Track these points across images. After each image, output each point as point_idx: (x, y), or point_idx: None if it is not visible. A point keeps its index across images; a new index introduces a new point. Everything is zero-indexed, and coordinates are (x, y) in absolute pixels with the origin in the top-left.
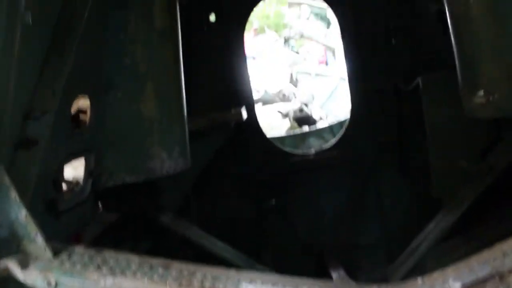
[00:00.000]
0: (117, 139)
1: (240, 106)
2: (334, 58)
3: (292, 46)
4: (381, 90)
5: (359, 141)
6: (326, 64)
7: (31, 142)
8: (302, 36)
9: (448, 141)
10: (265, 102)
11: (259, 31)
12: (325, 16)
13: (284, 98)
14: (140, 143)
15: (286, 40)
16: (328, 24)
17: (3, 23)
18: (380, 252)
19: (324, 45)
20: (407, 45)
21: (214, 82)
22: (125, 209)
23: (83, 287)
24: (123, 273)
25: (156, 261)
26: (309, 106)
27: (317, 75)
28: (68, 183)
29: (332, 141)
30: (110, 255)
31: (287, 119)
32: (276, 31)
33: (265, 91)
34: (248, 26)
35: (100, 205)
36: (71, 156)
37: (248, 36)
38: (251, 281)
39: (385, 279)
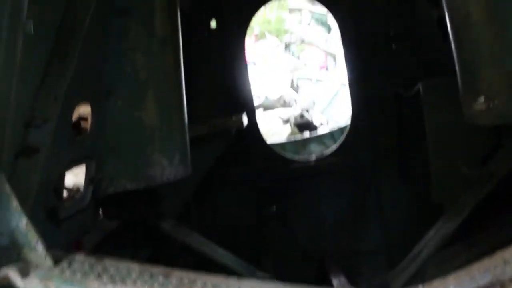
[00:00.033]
0: (117, 146)
1: (241, 112)
2: (335, 63)
3: (293, 52)
4: (381, 96)
5: (360, 147)
6: (327, 69)
7: (32, 150)
8: (303, 41)
9: (448, 147)
10: (266, 107)
11: (260, 36)
12: (326, 22)
13: (285, 104)
14: (140, 150)
15: (287, 46)
16: (329, 29)
17: (4, 33)
18: (381, 258)
19: (325, 50)
20: (408, 51)
21: (215, 88)
22: (126, 216)
23: None
24: (123, 281)
25: (156, 270)
26: (310, 112)
27: (317, 80)
28: (69, 190)
29: (333, 147)
30: (111, 263)
31: (288, 125)
32: (277, 36)
33: (266, 97)
34: (249, 32)
35: (100, 212)
36: (72, 164)
37: (249, 41)
38: None
39: (386, 286)
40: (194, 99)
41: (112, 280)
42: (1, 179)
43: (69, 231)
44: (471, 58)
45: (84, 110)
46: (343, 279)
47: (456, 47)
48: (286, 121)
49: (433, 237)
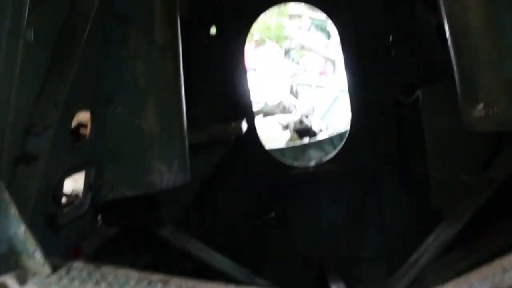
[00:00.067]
0: (117, 153)
1: (240, 119)
2: (335, 69)
3: (293, 58)
4: (381, 102)
5: (359, 153)
6: (327, 75)
7: (31, 157)
8: (302, 47)
9: (448, 153)
10: (265, 113)
11: (260, 42)
12: (326, 28)
13: (285, 110)
14: (140, 157)
15: (287, 52)
16: (329, 35)
17: (5, 40)
18: (380, 264)
19: (324, 56)
20: (407, 57)
21: (215, 94)
22: (125, 222)
23: None
24: None
25: (155, 277)
26: (309, 117)
27: (317, 86)
28: (68, 196)
29: (332, 153)
30: (109, 271)
31: (287, 131)
32: (277, 42)
33: (266, 103)
34: (249, 38)
35: (99, 219)
36: (71, 170)
37: (249, 47)
38: None
39: None
40: (194, 105)
41: (111, 287)
42: (0, 187)
43: (68, 237)
44: (469, 65)
45: (83, 116)
46: (342, 285)
47: (455, 54)
48: (286, 127)
49: (432, 243)
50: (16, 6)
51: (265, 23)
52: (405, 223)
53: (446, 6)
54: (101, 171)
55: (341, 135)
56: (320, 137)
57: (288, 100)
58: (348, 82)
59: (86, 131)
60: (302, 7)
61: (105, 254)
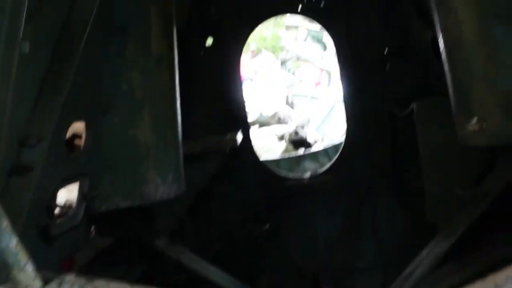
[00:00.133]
0: (112, 163)
1: (236, 130)
2: (330, 81)
3: (289, 68)
4: (376, 114)
5: (354, 165)
6: (322, 86)
7: (25, 168)
8: (298, 58)
9: (442, 167)
10: (261, 124)
11: (256, 52)
12: (322, 39)
13: (280, 121)
14: (135, 168)
15: (283, 62)
16: (325, 47)
17: (0, 52)
18: (375, 276)
19: (320, 68)
20: (402, 71)
21: (210, 105)
22: (119, 233)
23: None
24: None
25: None
26: (305, 128)
27: (313, 97)
28: (62, 207)
29: (327, 165)
30: (101, 284)
31: (282, 142)
32: (273, 53)
33: (261, 113)
34: (245, 48)
35: (93, 229)
36: (65, 181)
37: (246, 57)
38: None
39: None
40: (189, 116)
41: None
42: None
43: (61, 248)
44: (463, 78)
45: (78, 127)
46: None
47: (449, 68)
48: (281, 138)
49: (426, 256)
50: (13, 17)
51: (262, 33)
52: (400, 235)
53: (440, 20)
54: (96, 181)
55: (336, 147)
56: (315, 148)
57: (284, 111)
58: (343, 94)
59: (81, 142)
60: (299, 18)
61: (98, 265)
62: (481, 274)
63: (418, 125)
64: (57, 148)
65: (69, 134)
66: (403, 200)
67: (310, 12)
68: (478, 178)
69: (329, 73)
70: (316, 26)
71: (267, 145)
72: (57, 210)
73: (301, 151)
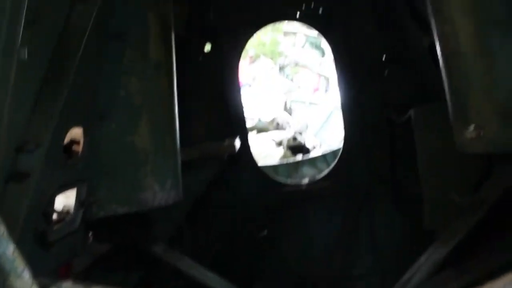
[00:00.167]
0: (110, 169)
1: (234, 136)
2: (328, 87)
3: (287, 74)
4: (374, 120)
5: (353, 171)
6: (320, 92)
7: (23, 174)
8: (297, 64)
9: (440, 173)
10: (259, 130)
11: (255, 58)
12: (320, 45)
13: (278, 127)
14: (132, 174)
15: (281, 68)
16: (323, 53)
17: None
18: (373, 282)
19: (318, 73)
20: (400, 77)
21: (208, 111)
22: (117, 239)
23: None
24: None
25: None
26: (303, 134)
27: (311, 103)
28: (59, 213)
29: (325, 171)
30: None
31: (281, 148)
32: (272, 58)
33: (259, 119)
34: (243, 54)
35: (91, 236)
36: (63, 187)
37: (244, 63)
38: None
39: None
40: (187, 122)
41: None
42: None
43: (59, 254)
44: (460, 86)
45: (76, 133)
46: None
47: (446, 75)
48: (279, 144)
49: (424, 263)
50: (11, 24)
51: (260, 39)
52: (398, 241)
53: (437, 28)
54: (93, 187)
55: (334, 153)
56: (313, 154)
57: (282, 117)
58: (341, 100)
59: (79, 148)
60: (297, 25)
61: (96, 271)
62: (479, 281)
63: (416, 131)
64: (55, 154)
65: (67, 140)
66: (401, 206)
67: (308, 19)
68: (475, 185)
69: (327, 79)
70: (314, 32)
71: (265, 151)
72: (54, 216)
73: (299, 157)
